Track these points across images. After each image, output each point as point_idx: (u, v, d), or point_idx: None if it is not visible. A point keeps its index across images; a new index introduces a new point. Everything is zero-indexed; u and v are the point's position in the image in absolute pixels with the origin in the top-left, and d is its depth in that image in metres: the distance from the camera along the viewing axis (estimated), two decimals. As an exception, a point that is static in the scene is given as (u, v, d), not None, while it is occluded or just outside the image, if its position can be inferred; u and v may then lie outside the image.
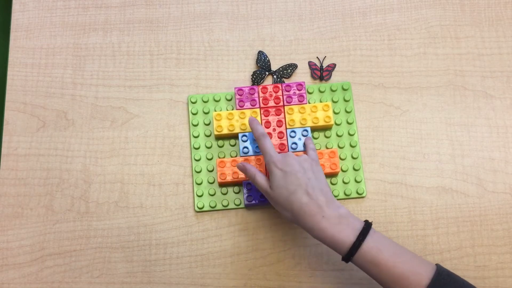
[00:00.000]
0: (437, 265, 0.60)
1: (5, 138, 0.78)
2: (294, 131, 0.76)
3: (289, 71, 0.81)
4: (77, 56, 0.82)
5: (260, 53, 0.81)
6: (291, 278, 0.73)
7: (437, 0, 0.84)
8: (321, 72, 0.81)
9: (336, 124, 0.78)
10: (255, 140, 0.72)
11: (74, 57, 0.82)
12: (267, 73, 0.81)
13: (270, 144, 0.68)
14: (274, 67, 0.81)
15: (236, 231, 0.74)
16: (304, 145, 0.74)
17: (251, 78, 0.80)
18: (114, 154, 0.77)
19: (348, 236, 0.60)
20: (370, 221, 0.62)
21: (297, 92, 0.77)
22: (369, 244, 0.59)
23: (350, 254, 0.59)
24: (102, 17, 0.84)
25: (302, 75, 0.81)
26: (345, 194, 0.75)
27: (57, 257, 0.73)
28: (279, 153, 0.69)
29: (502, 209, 0.75)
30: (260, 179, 0.68)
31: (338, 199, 0.74)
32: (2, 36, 1.34)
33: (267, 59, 0.81)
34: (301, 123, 0.76)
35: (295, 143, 0.75)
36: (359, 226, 0.60)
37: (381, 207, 0.75)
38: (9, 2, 0.85)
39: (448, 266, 0.72)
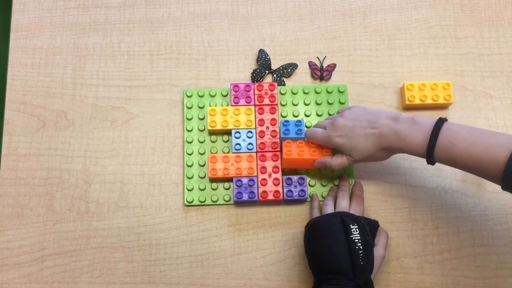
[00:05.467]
0: None
1: (5, 138, 0.78)
2: (287, 126, 0.75)
3: (289, 70, 0.81)
4: (77, 56, 0.82)
5: (261, 51, 0.81)
6: (291, 278, 0.72)
7: (437, 0, 0.84)
8: (321, 72, 0.81)
9: None
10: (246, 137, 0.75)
11: (74, 57, 0.82)
12: (267, 71, 0.81)
13: (315, 129, 0.71)
14: (274, 67, 0.81)
15: (236, 231, 0.74)
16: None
17: (251, 76, 0.80)
18: (114, 154, 0.77)
19: (424, 139, 0.61)
20: (444, 117, 0.62)
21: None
22: (442, 142, 0.60)
23: (429, 156, 0.61)
24: (102, 17, 0.84)
25: (302, 75, 0.81)
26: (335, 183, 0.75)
27: (57, 257, 0.73)
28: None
29: (502, 209, 0.75)
30: (336, 161, 0.70)
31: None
32: (2, 36, 1.34)
33: (268, 57, 0.81)
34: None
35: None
36: (430, 127, 0.61)
37: (381, 207, 0.75)
38: (9, 2, 0.85)
39: (448, 266, 0.72)
